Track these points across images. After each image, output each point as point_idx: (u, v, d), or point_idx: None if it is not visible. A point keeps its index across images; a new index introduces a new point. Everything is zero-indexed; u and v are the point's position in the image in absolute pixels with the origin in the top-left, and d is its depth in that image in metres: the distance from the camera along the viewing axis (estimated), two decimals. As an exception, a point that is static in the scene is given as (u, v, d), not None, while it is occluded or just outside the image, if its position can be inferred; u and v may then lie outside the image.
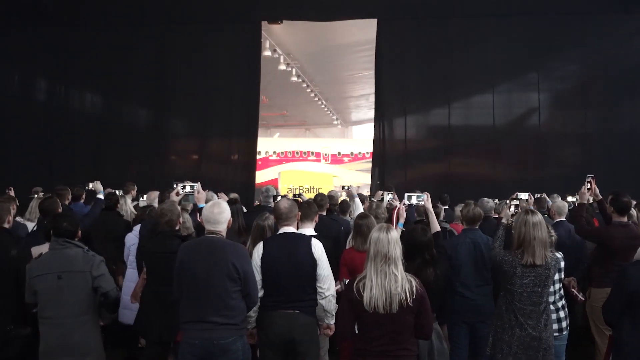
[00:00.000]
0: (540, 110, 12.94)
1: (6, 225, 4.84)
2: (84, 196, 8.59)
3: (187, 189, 5.45)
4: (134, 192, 9.37)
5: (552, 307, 4.97)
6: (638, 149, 12.20)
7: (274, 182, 22.22)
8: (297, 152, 25.77)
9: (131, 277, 6.13)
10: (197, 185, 5.46)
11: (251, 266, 4.30)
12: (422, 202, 5.36)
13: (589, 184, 6.16)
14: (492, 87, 13.00)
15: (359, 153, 25.73)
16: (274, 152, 25.80)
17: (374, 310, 3.63)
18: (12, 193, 8.13)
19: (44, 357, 4.33)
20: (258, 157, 25.65)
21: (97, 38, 13.18)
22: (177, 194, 5.43)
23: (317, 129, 40.65)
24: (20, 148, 13.14)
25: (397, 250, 3.70)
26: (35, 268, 4.38)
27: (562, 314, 5.16)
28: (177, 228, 5.02)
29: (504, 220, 5.33)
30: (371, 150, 25.07)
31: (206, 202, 5.21)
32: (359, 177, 22.93)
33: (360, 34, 18.83)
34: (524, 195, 6.64)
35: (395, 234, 3.76)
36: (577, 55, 13.09)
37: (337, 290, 4.79)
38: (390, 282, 3.63)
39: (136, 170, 12.86)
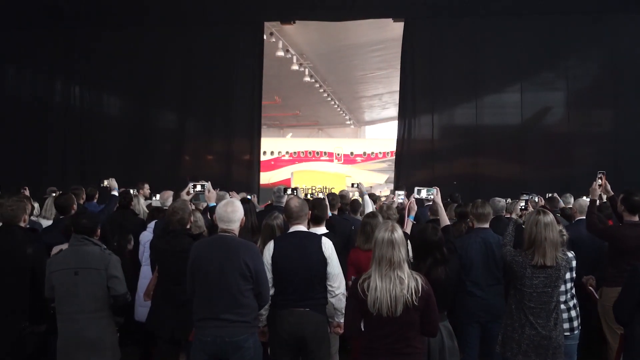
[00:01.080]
0: (561, 109, 13.01)
1: (22, 224, 4.93)
2: (97, 196, 8.69)
3: (198, 188, 5.50)
4: (146, 191, 9.45)
5: (563, 306, 4.97)
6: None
7: (287, 182, 22.28)
8: (309, 152, 25.81)
9: (146, 275, 6.19)
10: (208, 185, 5.51)
11: (263, 265, 4.34)
12: (432, 196, 5.38)
13: (600, 180, 6.15)
14: (513, 87, 13.05)
15: (372, 153, 25.75)
16: (287, 152, 25.88)
17: (378, 312, 3.63)
18: (27, 192, 8.26)
19: (61, 352, 4.42)
20: (271, 157, 25.85)
21: (106, 38, 13.35)
22: (188, 193, 5.48)
23: (329, 129, 40.81)
24: (34, 148, 13.32)
25: (401, 253, 3.69)
26: (53, 263, 4.49)
27: (573, 313, 5.13)
28: (188, 226, 5.08)
29: (513, 216, 5.37)
30: (384, 150, 25.38)
31: (217, 201, 5.26)
32: (372, 177, 22.93)
33: (372, 34, 18.88)
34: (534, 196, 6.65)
35: (400, 234, 3.75)
36: (598, 53, 13.04)
37: None
38: (396, 286, 3.62)
39: (144, 169, 12.92)
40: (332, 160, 25.54)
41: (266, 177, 20.60)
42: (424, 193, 5.41)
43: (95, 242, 4.60)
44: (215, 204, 5.21)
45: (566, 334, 4.92)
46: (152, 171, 12.78)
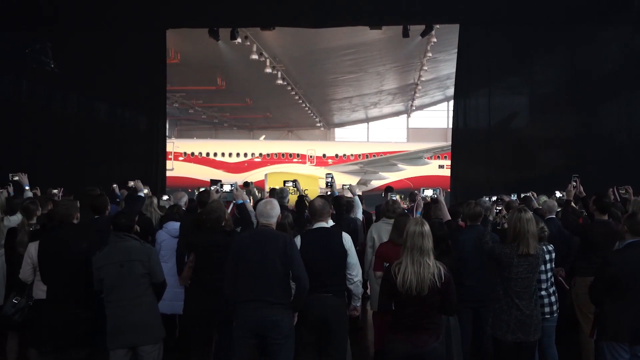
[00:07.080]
0: (524, 114, 13.85)
1: (75, 221, 5.48)
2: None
3: (226, 187, 6.15)
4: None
5: (544, 292, 5.75)
6: (617, 151, 12.96)
7: (261, 184, 22.65)
8: (282, 154, 26.29)
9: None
10: (236, 184, 6.15)
11: (299, 253, 4.94)
12: (435, 196, 6.14)
13: (574, 182, 6.97)
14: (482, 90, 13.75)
15: (344, 155, 26.33)
16: (260, 154, 26.28)
17: (407, 292, 4.31)
18: (38, 192, 8.58)
19: (111, 335, 4.98)
20: (244, 158, 26.23)
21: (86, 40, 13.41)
22: (217, 191, 6.15)
23: (299, 130, 41.33)
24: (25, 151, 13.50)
25: (429, 243, 4.40)
26: (99, 259, 5.04)
27: (553, 298, 5.88)
28: (222, 224, 5.70)
29: (490, 218, 6.20)
30: (356, 153, 26.06)
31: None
32: (344, 179, 23.46)
33: (345, 39, 19.57)
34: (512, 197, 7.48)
35: (428, 228, 4.45)
36: (563, 61, 13.74)
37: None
38: (424, 270, 4.32)
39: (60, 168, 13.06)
40: (304, 162, 26.02)
41: (240, 179, 20.98)
42: (428, 192, 6.17)
43: (134, 237, 5.19)
44: (242, 201, 5.85)
45: (547, 316, 5.73)
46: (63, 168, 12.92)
